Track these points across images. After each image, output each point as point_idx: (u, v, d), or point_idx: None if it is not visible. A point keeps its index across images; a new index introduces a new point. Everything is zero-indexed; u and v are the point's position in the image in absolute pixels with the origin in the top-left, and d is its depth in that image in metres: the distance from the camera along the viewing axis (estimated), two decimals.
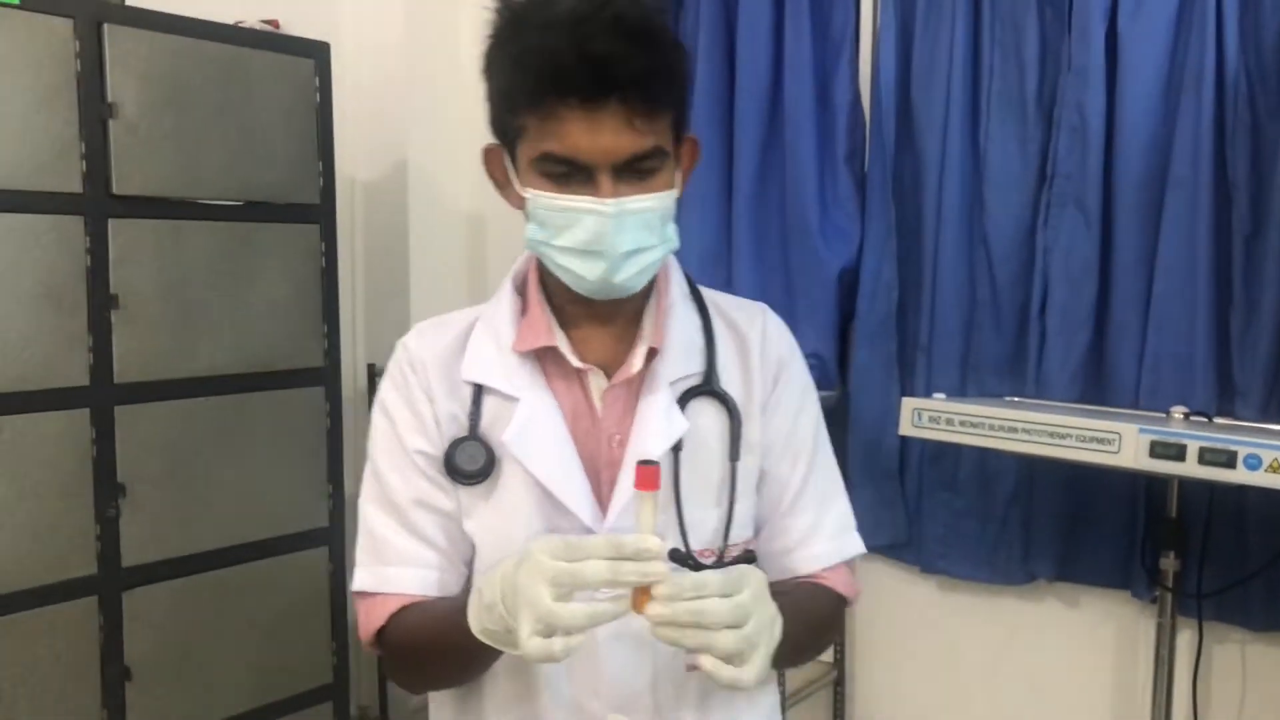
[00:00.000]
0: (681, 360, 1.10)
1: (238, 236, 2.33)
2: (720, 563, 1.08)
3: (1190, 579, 2.05)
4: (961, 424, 1.96)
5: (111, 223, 2.12)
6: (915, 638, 2.50)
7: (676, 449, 1.08)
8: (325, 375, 2.51)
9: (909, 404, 2.06)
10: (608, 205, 1.00)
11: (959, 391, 2.33)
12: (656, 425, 1.07)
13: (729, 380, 1.12)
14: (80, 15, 2.06)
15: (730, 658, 0.90)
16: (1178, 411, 1.96)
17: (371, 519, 1.12)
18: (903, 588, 2.49)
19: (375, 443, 1.13)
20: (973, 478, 2.34)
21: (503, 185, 1.09)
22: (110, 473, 2.13)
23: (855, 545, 1.16)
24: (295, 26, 2.61)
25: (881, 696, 2.57)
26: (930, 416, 2.01)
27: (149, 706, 2.20)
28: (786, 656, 1.01)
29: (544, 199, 1.02)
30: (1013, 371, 2.31)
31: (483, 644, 0.95)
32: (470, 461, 1.07)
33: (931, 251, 2.38)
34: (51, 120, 2.02)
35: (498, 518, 1.08)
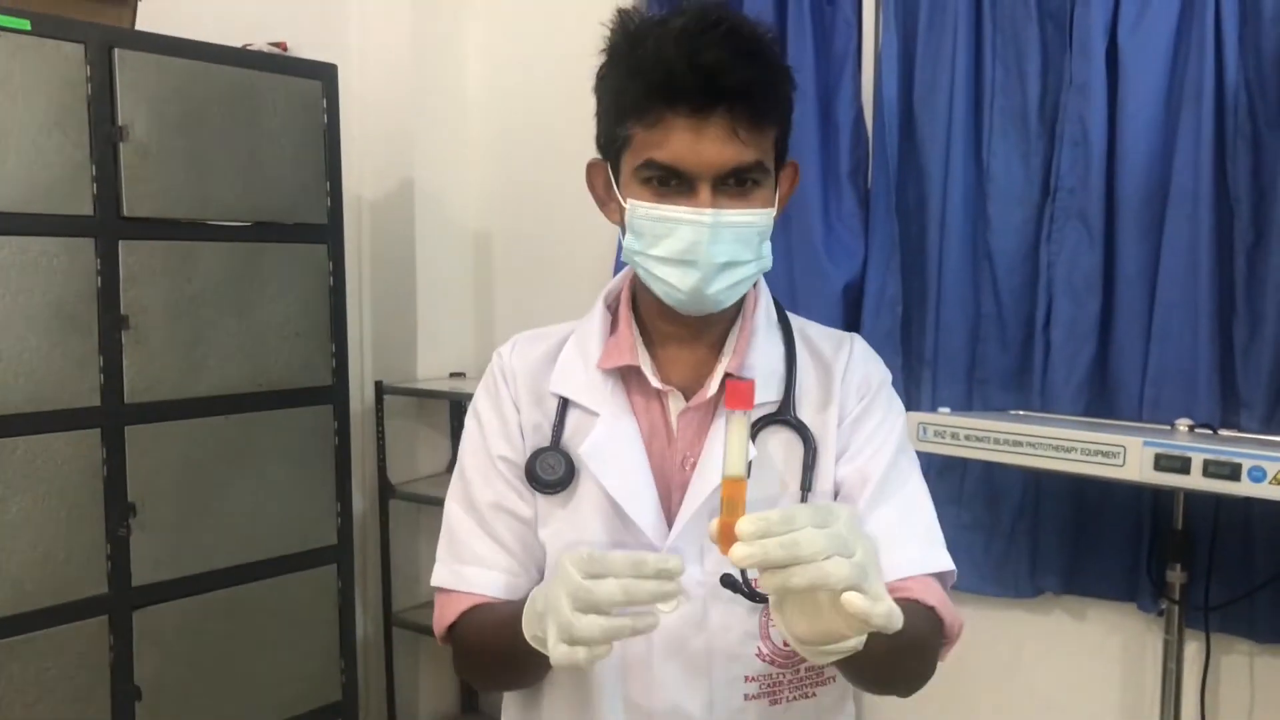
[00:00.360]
0: (759, 387, 1.09)
1: (246, 257, 2.35)
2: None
3: (1197, 591, 2.05)
4: (968, 438, 1.97)
5: (122, 244, 2.14)
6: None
7: (747, 475, 1.05)
8: (333, 393, 2.52)
9: (915, 418, 2.07)
10: (705, 215, 1.00)
11: (964, 405, 2.33)
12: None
13: (807, 412, 1.12)
14: (91, 40, 2.08)
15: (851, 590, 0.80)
16: (1182, 424, 1.97)
17: (453, 517, 1.16)
18: None
19: (464, 445, 1.18)
20: (979, 491, 2.34)
21: (603, 201, 1.12)
22: (121, 492, 2.15)
23: (946, 560, 1.10)
24: (303, 49, 2.64)
25: (888, 710, 2.57)
26: (936, 431, 2.01)
27: None
28: (882, 665, 0.98)
29: (643, 208, 1.03)
30: (1018, 385, 2.32)
31: (534, 649, 0.97)
32: (549, 471, 1.11)
33: (935, 266, 2.38)
34: (63, 143, 2.05)
35: (569, 527, 1.11)
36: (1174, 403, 2.08)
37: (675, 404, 1.12)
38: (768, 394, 1.11)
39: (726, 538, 0.83)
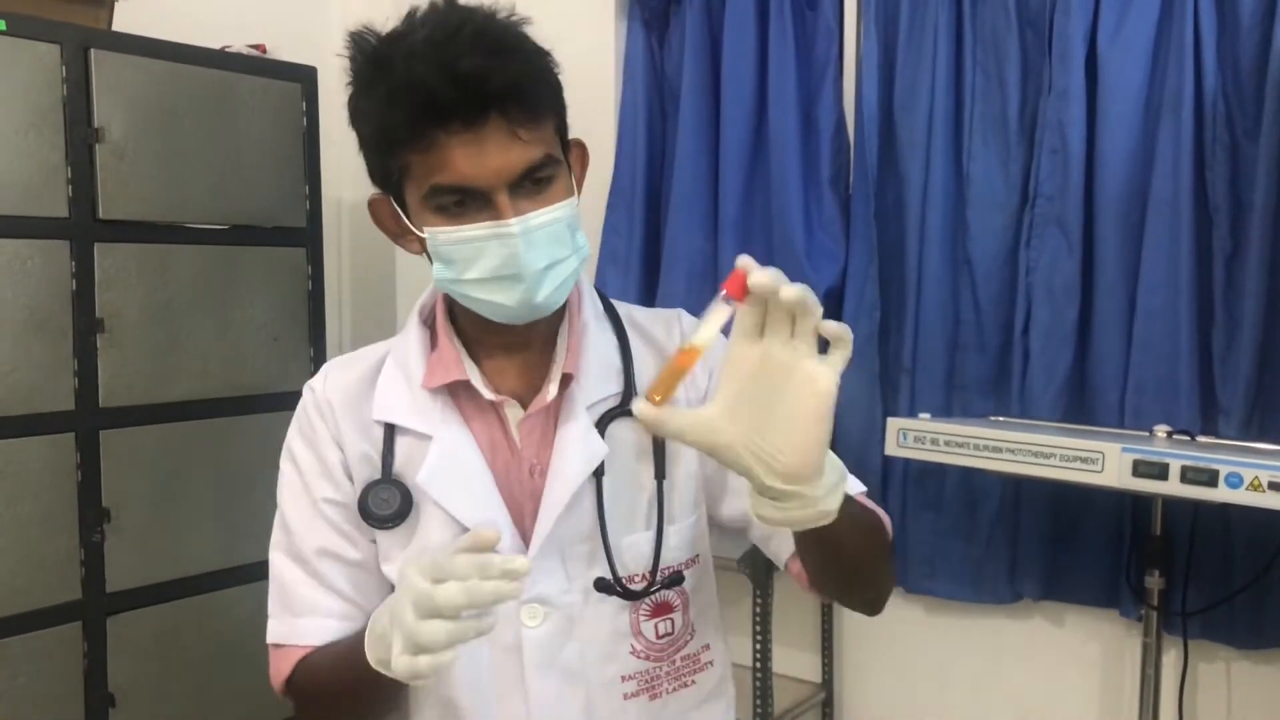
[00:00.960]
0: (598, 383, 1.08)
1: (224, 260, 2.33)
2: (650, 589, 1.07)
3: (1176, 597, 2.05)
4: (947, 444, 1.97)
5: (98, 247, 2.12)
6: (903, 658, 2.50)
7: (599, 475, 1.05)
8: None
9: (894, 424, 2.07)
10: (512, 225, 0.95)
11: (943, 411, 2.34)
12: (574, 451, 1.04)
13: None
14: (67, 40, 2.07)
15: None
16: (1161, 430, 1.97)
17: (280, 569, 1.10)
18: (889, 608, 2.44)
19: (282, 491, 1.11)
20: (957, 497, 2.34)
21: (397, 234, 1.04)
22: (95, 497, 2.13)
23: (859, 484, 1.09)
24: (282, 51, 2.63)
25: (869, 716, 2.57)
26: (915, 436, 2.01)
27: None
28: (851, 551, 0.96)
29: (443, 233, 0.97)
30: (997, 391, 2.32)
31: (381, 674, 0.92)
32: (384, 505, 1.04)
33: (915, 272, 2.39)
34: (38, 145, 2.03)
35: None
36: (1153, 409, 2.09)
37: (513, 414, 1.07)
38: (608, 388, 1.08)
39: (661, 388, 0.80)
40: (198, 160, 2.27)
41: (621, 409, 1.07)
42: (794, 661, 2.58)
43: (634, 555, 1.06)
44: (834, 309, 2.49)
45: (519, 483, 1.06)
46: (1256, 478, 1.58)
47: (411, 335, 1.10)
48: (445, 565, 0.85)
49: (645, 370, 1.10)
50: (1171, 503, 1.97)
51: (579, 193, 1.05)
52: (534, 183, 0.98)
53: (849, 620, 2.55)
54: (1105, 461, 1.73)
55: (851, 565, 1.01)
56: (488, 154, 0.94)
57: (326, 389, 1.10)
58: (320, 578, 1.07)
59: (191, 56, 2.27)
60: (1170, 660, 2.10)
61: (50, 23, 2.06)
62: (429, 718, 1.07)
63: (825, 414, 0.80)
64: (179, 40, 2.27)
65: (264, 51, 2.62)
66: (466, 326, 1.08)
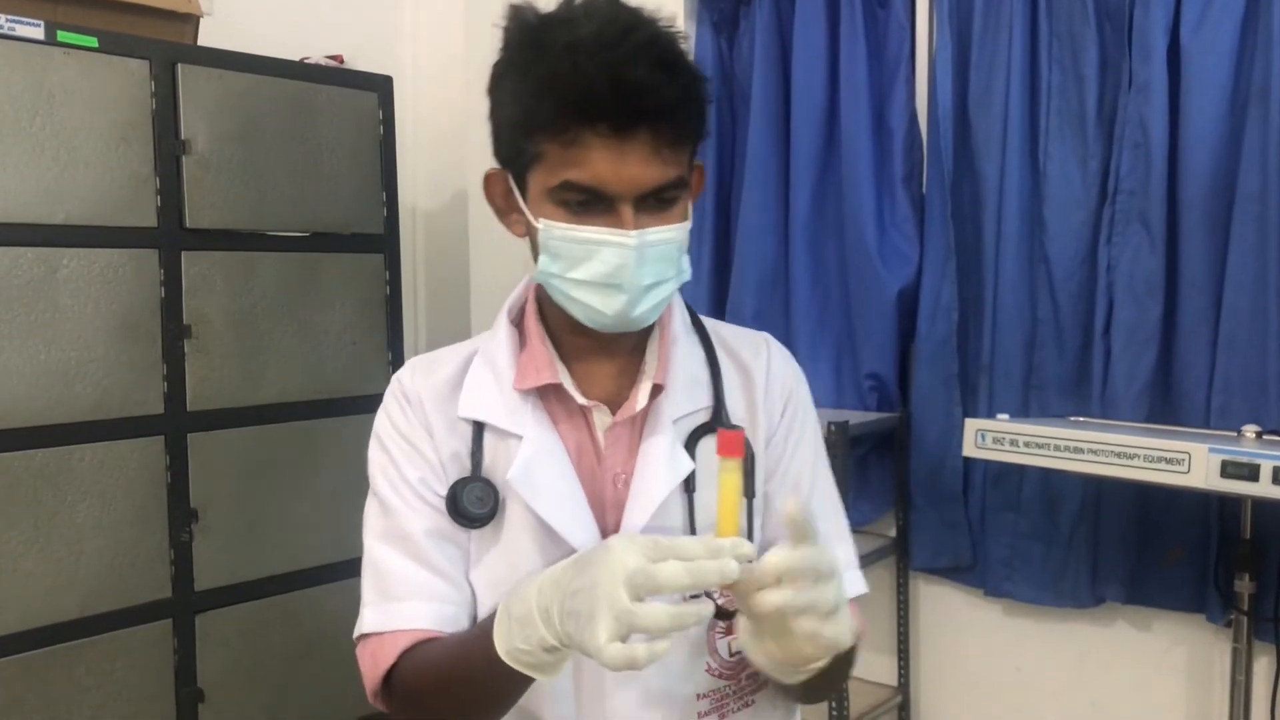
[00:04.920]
0: (686, 396, 1.06)
1: (305, 267, 2.39)
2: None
3: (1266, 602, 2.00)
4: (1026, 445, 1.94)
5: (184, 255, 2.19)
6: (981, 662, 2.46)
7: (689, 489, 1.03)
8: None
9: (972, 425, 2.05)
10: (630, 238, 0.95)
11: (1021, 412, 2.30)
12: (660, 465, 1.02)
13: (736, 416, 1.08)
14: (155, 56, 2.13)
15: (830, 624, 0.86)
16: (1249, 430, 1.92)
17: (378, 554, 1.04)
18: (968, 611, 2.46)
19: (376, 477, 1.07)
20: (1037, 499, 2.30)
21: (504, 213, 1.04)
22: (184, 498, 2.19)
23: (860, 584, 1.10)
24: (359, 61, 2.68)
25: None
26: (994, 437, 1.99)
27: None
28: (828, 680, 0.98)
29: (560, 229, 0.96)
30: (1076, 391, 2.28)
31: (509, 672, 0.88)
32: (478, 503, 1.01)
33: (991, 271, 2.35)
34: (128, 158, 2.10)
35: (501, 561, 1.03)
36: (1240, 409, 2.03)
37: (601, 420, 1.05)
38: (697, 402, 1.06)
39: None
40: (279, 169, 2.32)
41: (712, 424, 1.06)
42: (870, 665, 2.56)
43: None
44: (909, 309, 2.47)
45: (603, 489, 1.04)
46: None
47: (501, 335, 1.09)
48: (667, 544, 0.83)
49: (732, 387, 1.09)
50: (1261, 505, 1.92)
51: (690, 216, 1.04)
52: (659, 200, 0.97)
53: (925, 623, 2.52)
54: (1192, 462, 1.69)
55: (827, 688, 1.04)
56: (628, 164, 0.94)
57: (415, 383, 1.08)
58: (426, 559, 1.02)
59: (272, 68, 2.33)
60: (1261, 667, 2.04)
61: (140, 39, 2.13)
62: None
63: (819, 655, 0.88)
64: (260, 53, 2.33)
65: (341, 62, 2.67)
66: (556, 328, 1.07)
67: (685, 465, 1.03)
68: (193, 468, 2.20)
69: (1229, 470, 1.65)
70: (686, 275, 1.03)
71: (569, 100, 0.92)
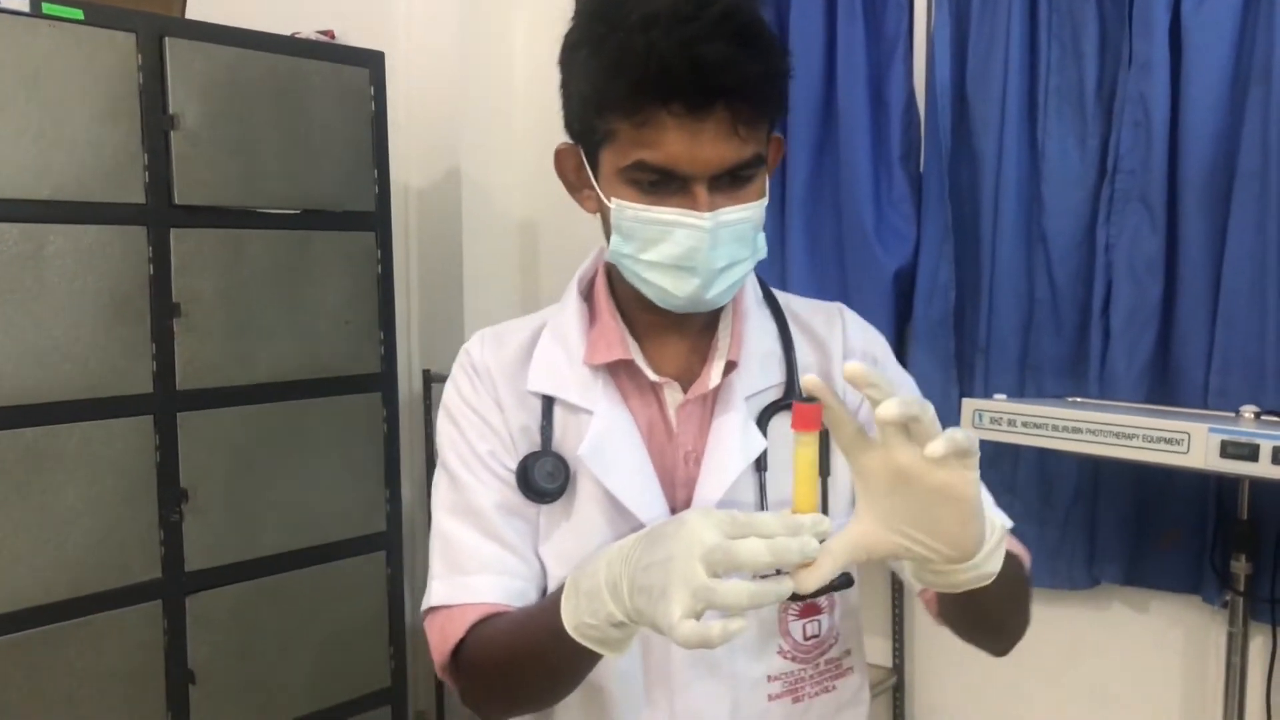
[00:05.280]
0: (759, 373, 1.05)
1: (295, 244, 2.36)
2: (822, 589, 1.01)
3: (1263, 583, 1.99)
4: (1024, 425, 1.92)
5: (173, 232, 2.16)
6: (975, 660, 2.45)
7: (762, 468, 1.02)
8: (382, 381, 2.53)
9: (969, 405, 2.03)
10: (705, 219, 0.92)
11: (1018, 392, 2.29)
12: (732, 443, 1.01)
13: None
14: (142, 28, 2.10)
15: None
16: (1248, 411, 1.91)
17: (448, 528, 1.03)
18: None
19: (446, 450, 1.06)
20: (1032, 480, 2.29)
21: (576, 188, 1.03)
22: (173, 478, 2.17)
23: (1007, 519, 1.01)
24: (350, 36, 2.65)
25: (941, 703, 2.53)
26: (991, 417, 1.97)
27: (212, 710, 2.23)
28: (1001, 603, 0.93)
29: (633, 210, 0.94)
30: (1073, 372, 2.27)
31: (576, 648, 0.86)
32: (549, 478, 1.00)
33: (989, 251, 2.34)
34: (115, 133, 2.07)
35: (571, 537, 1.02)
36: (1239, 390, 2.02)
37: (673, 397, 1.04)
38: (769, 378, 1.05)
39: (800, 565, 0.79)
40: (269, 145, 2.29)
41: (785, 401, 1.04)
42: (865, 646, 2.55)
43: None
44: (906, 289, 2.45)
45: (674, 467, 1.03)
46: None
47: (570, 308, 1.08)
48: (745, 520, 0.80)
49: (806, 362, 1.07)
50: (1259, 485, 1.91)
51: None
52: (734, 179, 0.94)
53: (921, 605, 2.51)
54: (1191, 442, 1.68)
55: (994, 617, 1.01)
56: (703, 144, 0.90)
57: (484, 356, 1.07)
58: (497, 533, 1.02)
59: (262, 43, 2.30)
60: (1257, 647, 2.03)
61: (126, 11, 2.10)
62: (573, 704, 1.02)
63: (975, 513, 0.80)
64: (250, 27, 2.30)
65: (332, 37, 2.64)
66: (627, 304, 1.06)
67: (758, 443, 1.02)
68: (183, 447, 2.18)
69: (1229, 450, 1.63)
70: (762, 253, 1.00)
71: (642, 79, 0.89)
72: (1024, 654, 2.36)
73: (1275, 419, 1.88)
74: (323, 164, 2.40)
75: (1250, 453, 1.62)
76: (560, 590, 0.89)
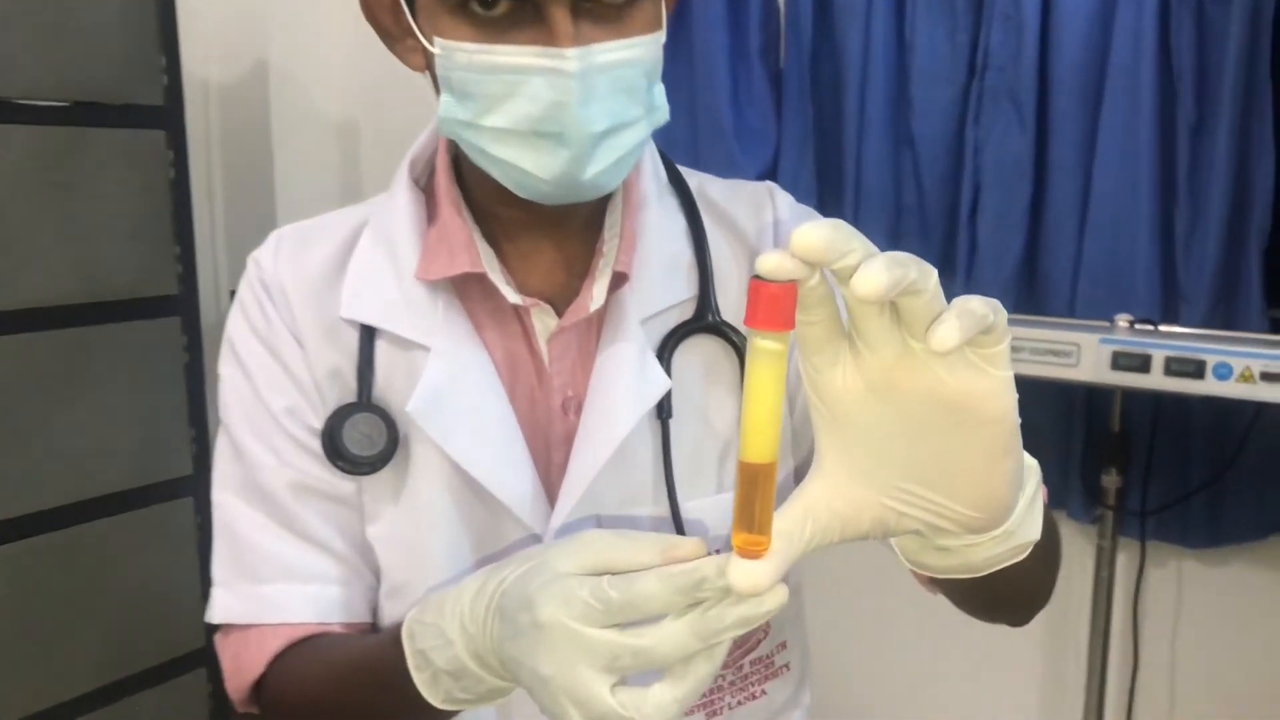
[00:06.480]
0: (660, 287, 0.79)
1: (65, 143, 2.00)
2: None
3: (1133, 497, 1.94)
4: None
5: None
6: (842, 562, 2.37)
7: (665, 416, 0.77)
8: (180, 304, 2.21)
9: None
10: (569, 57, 0.66)
11: None
12: (623, 383, 0.76)
13: (731, 304, 0.80)
14: None
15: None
16: (1122, 320, 1.82)
17: (232, 514, 0.80)
18: None
19: (229, 408, 0.81)
20: None
21: (394, 37, 0.75)
22: None
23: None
24: None
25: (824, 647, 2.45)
26: None
27: None
28: (1040, 566, 0.70)
29: (463, 53, 0.68)
30: (941, 279, 2.16)
31: (439, 712, 0.66)
32: (364, 442, 0.75)
33: (854, 153, 2.20)
34: None
35: (404, 517, 0.77)
36: (1108, 298, 1.94)
37: (542, 323, 0.78)
38: (675, 293, 0.79)
39: (749, 542, 0.53)
40: (23, 21, 1.92)
41: (695, 324, 0.79)
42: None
43: (702, 528, 0.78)
44: None
45: (547, 420, 0.79)
46: (1248, 368, 1.45)
47: (400, 204, 0.81)
48: (635, 591, 0.55)
49: (726, 267, 0.81)
50: (1132, 396, 1.84)
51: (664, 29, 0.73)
52: (610, 5, 0.69)
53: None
54: (1081, 354, 1.58)
55: (1026, 589, 0.78)
56: None
57: (278, 268, 0.80)
58: (299, 524, 0.78)
59: None
60: (1123, 562, 2.00)
61: None
62: None
63: (1009, 443, 0.54)
64: None
65: None
66: (480, 195, 0.79)
67: (658, 383, 0.77)
68: None
69: (1120, 362, 1.54)
70: (662, 114, 0.75)
71: None
72: (878, 578, 2.30)
73: (1150, 328, 1.82)
74: (94, 47, 2.03)
75: (1142, 364, 1.53)
76: (397, 641, 0.66)
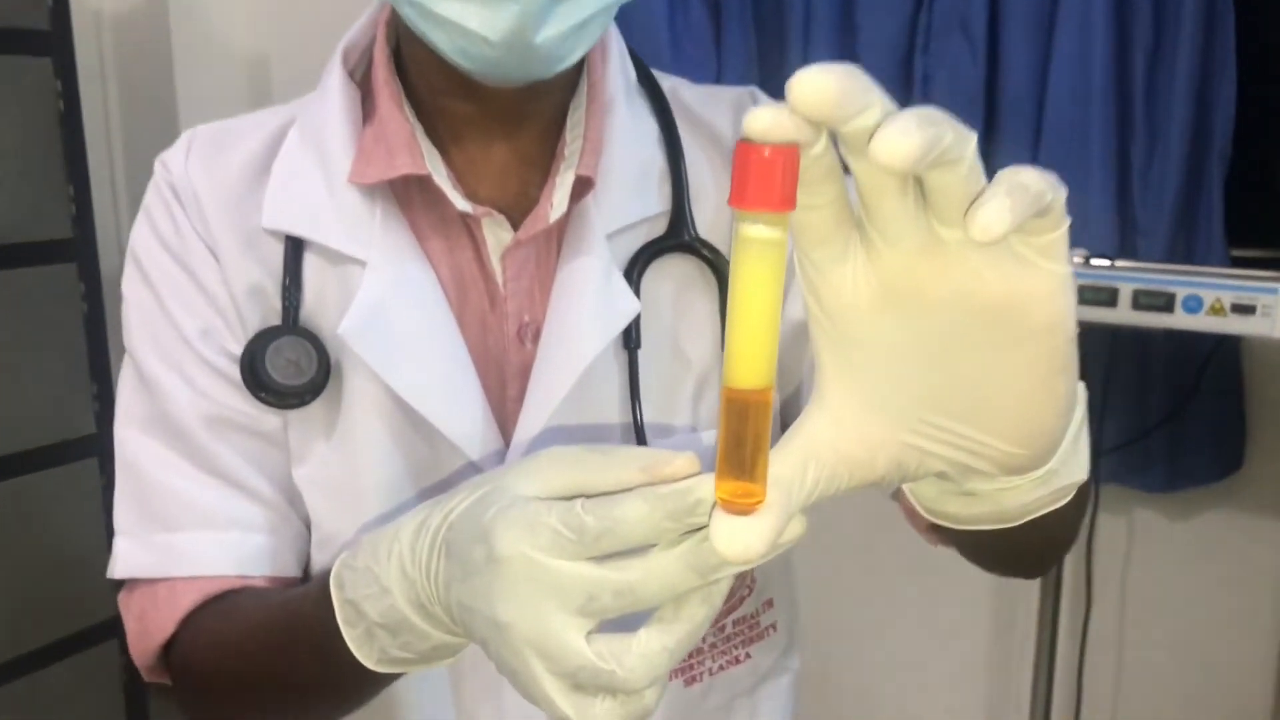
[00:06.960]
0: (630, 197, 0.70)
1: None
2: None
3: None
4: None
5: None
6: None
7: (632, 345, 0.68)
8: (76, 248, 2.05)
9: None
10: None
11: None
12: (586, 306, 0.67)
13: (709, 221, 0.71)
14: None
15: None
16: (1077, 255, 1.77)
17: (139, 455, 0.70)
18: None
19: (133, 328, 0.72)
20: None
21: None
22: None
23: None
24: None
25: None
26: None
27: None
28: (1067, 520, 0.59)
29: None
30: None
31: (373, 675, 0.57)
32: (291, 370, 0.66)
33: None
34: None
35: (338, 460, 0.67)
36: None
37: (495, 236, 0.69)
38: (645, 205, 0.72)
39: (737, 492, 0.42)
40: None
41: (667, 241, 0.70)
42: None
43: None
44: None
45: (500, 349, 0.69)
46: (1218, 300, 1.39)
47: (332, 99, 0.70)
48: (615, 516, 0.45)
49: (702, 177, 0.72)
50: (1090, 333, 1.79)
51: None
52: None
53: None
54: None
55: (1056, 537, 0.68)
56: None
57: (190, 171, 0.70)
58: (214, 464, 0.69)
59: None
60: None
61: None
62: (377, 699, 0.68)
63: (1065, 361, 0.44)
64: None
65: None
66: (423, 88, 0.69)
67: (626, 306, 0.68)
68: None
69: (1087, 296, 1.49)
70: None
71: None
72: (840, 523, 2.24)
73: (1107, 262, 1.76)
74: None
75: (1109, 298, 1.47)
76: (325, 591, 0.56)
